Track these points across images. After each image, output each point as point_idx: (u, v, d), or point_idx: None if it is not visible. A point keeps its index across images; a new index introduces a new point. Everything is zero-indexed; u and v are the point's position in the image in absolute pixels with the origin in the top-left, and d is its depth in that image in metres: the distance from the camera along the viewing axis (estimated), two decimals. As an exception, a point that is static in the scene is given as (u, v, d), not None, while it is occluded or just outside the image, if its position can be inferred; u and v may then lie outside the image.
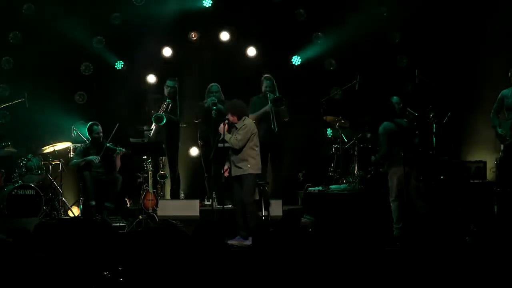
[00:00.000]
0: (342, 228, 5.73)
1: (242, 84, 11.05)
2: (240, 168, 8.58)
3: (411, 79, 11.02)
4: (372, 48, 11.49)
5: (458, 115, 10.82)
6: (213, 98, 10.01)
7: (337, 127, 10.67)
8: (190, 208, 9.83)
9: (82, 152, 9.97)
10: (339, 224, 6.14)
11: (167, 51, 11.50)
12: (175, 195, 10.61)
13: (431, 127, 10.08)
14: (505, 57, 10.50)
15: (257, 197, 9.31)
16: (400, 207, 8.66)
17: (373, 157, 9.44)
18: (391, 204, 8.74)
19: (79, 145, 10.17)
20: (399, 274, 5.09)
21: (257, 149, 8.66)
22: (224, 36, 11.54)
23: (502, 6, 10.93)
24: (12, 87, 11.20)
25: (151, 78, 11.44)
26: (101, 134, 10.05)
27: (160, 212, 9.59)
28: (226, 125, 8.66)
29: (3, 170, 10.06)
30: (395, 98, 9.12)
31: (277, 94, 10.04)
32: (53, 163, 10.19)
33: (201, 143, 10.42)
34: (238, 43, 11.59)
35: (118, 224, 9.20)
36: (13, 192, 9.56)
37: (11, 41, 11.32)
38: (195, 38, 11.59)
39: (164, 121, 10.19)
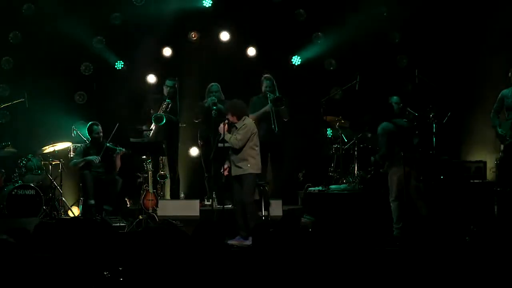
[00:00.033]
0: (342, 228, 5.73)
1: (242, 84, 11.05)
2: (240, 167, 8.58)
3: (411, 79, 11.03)
4: (372, 48, 11.49)
5: (458, 115, 10.82)
6: (213, 98, 10.01)
7: (337, 127, 10.67)
8: (190, 208, 9.83)
9: (82, 152, 9.98)
10: (339, 224, 6.14)
11: (167, 51, 11.50)
12: (175, 195, 10.61)
13: (431, 127, 10.08)
14: (505, 57, 10.50)
15: (257, 197, 9.31)
16: (400, 207, 8.65)
17: (372, 158, 9.45)
18: (391, 204, 8.74)
19: (79, 145, 10.17)
20: (399, 274, 5.09)
21: (257, 149, 8.67)
22: (224, 36, 11.54)
23: (502, 6, 10.93)
24: (12, 87, 11.20)
25: (151, 78, 11.44)
26: (101, 134, 10.06)
27: (160, 212, 9.59)
28: (226, 125, 8.66)
29: (3, 170, 10.07)
30: (394, 98, 9.13)
31: (277, 94, 10.04)
32: (53, 163, 10.19)
33: (201, 143, 10.42)
34: (238, 43, 11.58)
35: (118, 224, 9.19)
36: (13, 192, 9.57)
37: (11, 41, 11.31)
38: (195, 38, 11.58)
39: (164, 121, 10.20)
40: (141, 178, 9.98)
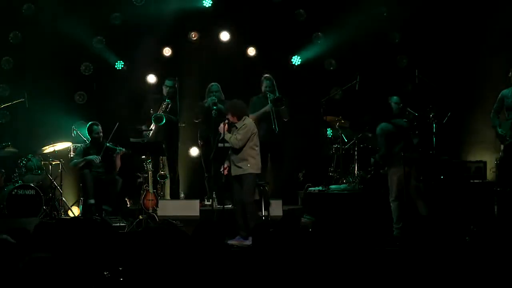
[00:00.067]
0: (342, 228, 5.73)
1: (242, 84, 11.06)
2: (240, 167, 8.58)
3: (411, 79, 11.03)
4: (372, 48, 11.49)
5: (458, 115, 10.82)
6: (213, 97, 10.01)
7: (337, 127, 10.67)
8: (190, 208, 9.84)
9: (82, 152, 9.98)
10: (339, 224, 6.14)
11: (167, 51, 11.50)
12: (175, 195, 10.61)
13: (431, 127, 10.08)
14: (505, 57, 10.50)
15: (257, 197, 9.31)
16: (400, 207, 8.65)
17: (372, 158, 9.45)
18: (391, 204, 8.74)
19: (79, 145, 10.17)
20: (399, 274, 5.09)
21: (257, 148, 8.67)
22: (224, 36, 11.53)
23: (502, 6, 10.93)
24: (12, 87, 11.20)
25: (151, 78, 11.43)
26: (101, 134, 10.06)
27: (160, 212, 9.59)
28: (226, 124, 8.66)
29: (3, 170, 10.06)
30: (394, 98, 9.13)
31: (277, 94, 10.04)
32: (53, 163, 10.18)
33: (201, 143, 10.42)
34: (238, 43, 11.58)
35: (118, 224, 9.18)
36: (13, 192, 9.56)
37: (11, 41, 11.31)
38: (195, 38, 11.58)
39: (164, 121, 10.20)
40: (141, 178, 9.97)
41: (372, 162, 9.66)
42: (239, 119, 8.65)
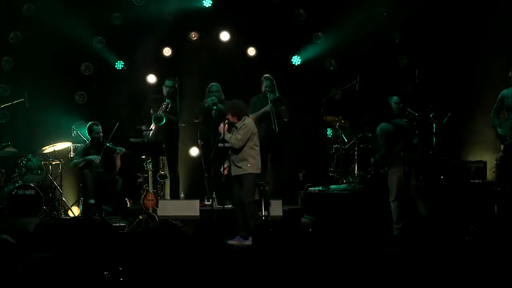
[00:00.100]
0: (342, 228, 5.73)
1: (242, 84, 11.06)
2: (240, 167, 8.59)
3: (411, 79, 11.03)
4: (372, 48, 11.49)
5: (458, 115, 10.82)
6: (213, 97, 10.01)
7: (337, 127, 10.67)
8: (190, 208, 9.84)
9: (82, 152, 9.98)
10: (339, 224, 6.14)
11: (167, 51, 11.50)
12: (175, 195, 10.61)
13: (431, 127, 10.08)
14: (505, 57, 10.51)
15: (257, 197, 9.31)
16: (400, 207, 8.65)
17: (372, 158, 9.45)
18: (391, 204, 8.74)
19: (79, 145, 10.17)
20: (399, 274, 5.09)
21: (257, 148, 8.67)
22: (224, 36, 11.53)
23: (502, 6, 10.93)
24: (12, 87, 11.20)
25: (151, 78, 11.43)
26: (101, 134, 10.06)
27: (160, 212, 9.58)
28: (226, 124, 8.67)
29: (3, 170, 10.06)
30: (394, 98, 9.13)
31: (277, 94, 10.05)
32: (53, 163, 10.18)
33: (201, 143, 10.42)
34: (238, 43, 11.58)
35: (118, 224, 9.18)
36: (13, 192, 9.56)
37: (11, 41, 11.31)
38: (195, 38, 11.58)
39: (164, 121, 10.20)
40: (141, 178, 9.97)
41: (372, 162, 9.66)
42: (239, 119, 8.65)
